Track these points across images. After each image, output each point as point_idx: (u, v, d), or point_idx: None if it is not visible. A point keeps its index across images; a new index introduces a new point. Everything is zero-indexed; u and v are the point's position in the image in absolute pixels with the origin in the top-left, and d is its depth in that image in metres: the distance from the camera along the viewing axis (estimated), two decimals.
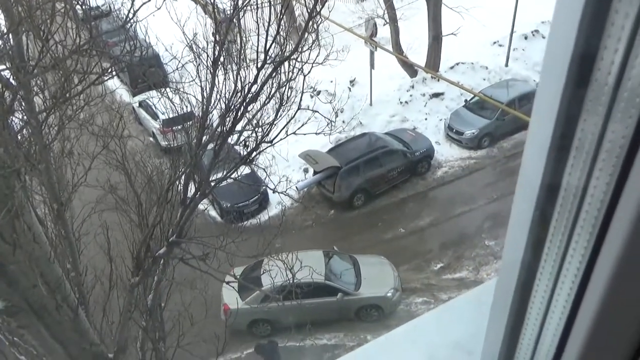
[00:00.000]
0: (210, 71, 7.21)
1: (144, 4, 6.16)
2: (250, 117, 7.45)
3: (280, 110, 7.60)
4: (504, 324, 1.09)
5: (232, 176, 7.99)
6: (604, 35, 0.68)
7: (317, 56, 7.42)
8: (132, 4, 6.21)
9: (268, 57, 6.99)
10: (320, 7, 6.90)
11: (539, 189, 0.86)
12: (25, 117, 5.73)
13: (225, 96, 7.21)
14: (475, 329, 1.28)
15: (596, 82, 0.71)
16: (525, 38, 21.15)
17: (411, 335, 1.70)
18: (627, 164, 0.69)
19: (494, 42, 21.08)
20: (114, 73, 7.08)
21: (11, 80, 5.38)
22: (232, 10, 7.09)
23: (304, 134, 8.08)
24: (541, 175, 0.85)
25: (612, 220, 0.73)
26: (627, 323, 0.80)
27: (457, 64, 20.15)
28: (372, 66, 18.17)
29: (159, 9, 6.37)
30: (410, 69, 19.51)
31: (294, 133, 7.84)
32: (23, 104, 5.58)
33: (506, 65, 20.45)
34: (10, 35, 5.29)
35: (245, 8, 7.28)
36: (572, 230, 0.82)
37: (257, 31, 6.92)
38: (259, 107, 7.44)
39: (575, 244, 0.82)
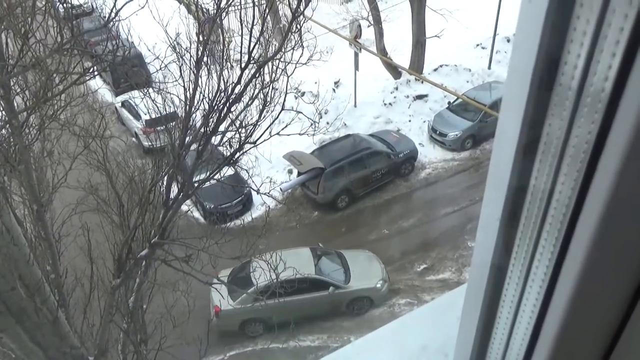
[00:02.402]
0: (193, 71, 7.16)
1: (126, 3, 6.10)
2: (234, 117, 7.41)
3: (264, 111, 7.57)
4: (475, 325, 1.10)
5: (216, 177, 7.94)
6: (567, 40, 0.69)
7: (301, 57, 7.41)
8: (115, 3, 6.14)
9: (252, 58, 6.97)
10: (304, 7, 6.90)
11: (507, 191, 0.87)
12: (4, 117, 5.63)
13: (208, 97, 7.17)
14: (452, 331, 1.29)
15: (560, 86, 0.72)
16: (508, 41, 21.37)
17: (390, 337, 1.71)
18: (590, 168, 0.70)
19: (477, 45, 21.29)
20: (95, 73, 7.00)
21: None
22: (215, 10, 7.06)
23: (288, 135, 8.07)
24: (509, 178, 0.86)
25: (577, 222, 0.74)
26: (595, 324, 0.81)
27: (441, 66, 20.30)
28: (356, 68, 18.22)
29: (142, 7, 6.31)
30: (395, 70, 19.60)
31: (278, 134, 7.82)
32: (2, 103, 5.49)
33: (489, 67, 20.66)
34: None
35: (228, 8, 7.25)
36: (540, 232, 0.83)
37: (240, 31, 6.90)
38: (242, 107, 7.41)
39: (542, 247, 0.83)
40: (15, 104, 5.75)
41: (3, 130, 5.99)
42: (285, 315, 12.25)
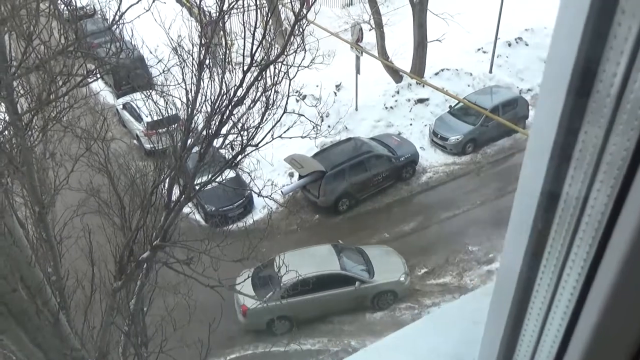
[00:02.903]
0: (195, 74, 7.16)
1: (131, 6, 6.11)
2: (236, 120, 7.41)
3: (266, 114, 7.58)
4: (501, 334, 1.08)
5: (217, 180, 7.94)
6: (607, 47, 0.68)
7: (303, 60, 7.42)
8: (119, 6, 6.15)
9: (254, 61, 6.97)
10: (307, 10, 6.91)
11: (539, 197, 0.86)
12: (7, 119, 5.64)
13: (210, 99, 7.17)
14: (465, 337, 1.28)
15: (598, 93, 0.71)
16: (509, 45, 21.40)
17: (400, 344, 1.69)
18: (628, 177, 0.69)
19: (478, 49, 21.31)
20: (98, 75, 7.00)
21: None
22: (217, 13, 7.07)
23: (290, 138, 8.07)
24: (541, 184, 0.85)
25: (613, 232, 0.73)
26: (625, 337, 0.79)
27: (442, 70, 20.31)
28: (357, 71, 18.23)
29: (147, 10, 6.31)
30: (396, 74, 19.62)
31: (280, 137, 7.82)
32: (6, 104, 5.49)
33: (490, 71, 20.67)
34: None
35: (231, 11, 7.26)
36: (572, 241, 0.82)
37: (243, 34, 6.90)
38: (244, 110, 7.41)
39: (575, 254, 0.82)
40: (19, 106, 5.76)
41: (5, 132, 5.99)
42: (312, 311, 12.62)
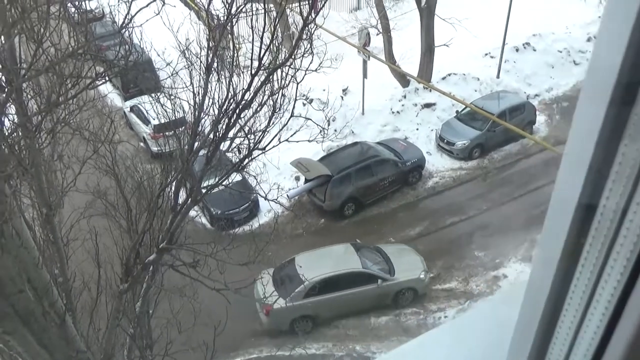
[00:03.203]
0: (203, 77, 7.18)
1: (141, 9, 6.14)
2: (243, 123, 7.42)
3: (273, 118, 7.58)
4: (529, 349, 1.06)
5: (224, 183, 7.95)
6: None
7: (310, 64, 7.42)
8: (129, 9, 6.18)
9: (262, 65, 6.98)
10: (315, 14, 6.91)
11: (575, 209, 0.85)
12: (17, 120, 5.67)
13: (217, 102, 7.19)
14: (483, 346, 1.26)
15: None
16: (517, 50, 21.35)
17: (416, 353, 1.67)
18: None
19: (486, 54, 21.27)
20: (107, 77, 7.03)
21: (2, 82, 5.33)
22: (225, 17, 7.08)
23: (296, 142, 8.07)
24: (577, 196, 0.83)
25: None
26: None
27: (449, 74, 20.29)
28: (364, 75, 18.24)
29: (157, 14, 6.34)
30: (403, 79, 19.61)
31: (287, 140, 7.82)
32: (15, 107, 5.53)
33: (497, 76, 20.63)
34: (2, 38, 5.24)
35: (239, 15, 7.28)
36: (608, 254, 0.81)
37: (250, 38, 6.92)
38: (251, 114, 7.42)
39: (610, 269, 0.81)
40: (29, 108, 5.79)
41: (14, 134, 6.02)
42: (334, 310, 12.75)
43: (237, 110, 7.12)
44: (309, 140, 8.72)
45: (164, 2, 6.14)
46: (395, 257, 14.03)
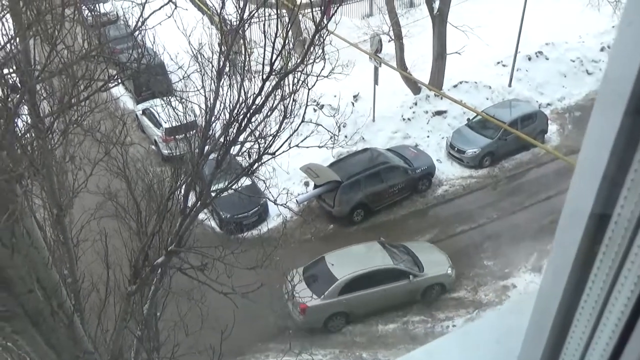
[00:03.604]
0: (214, 81, 7.22)
1: (154, 12, 6.19)
2: (253, 128, 7.44)
3: (284, 123, 7.59)
4: (539, 356, 1.05)
5: (233, 187, 7.96)
6: None
7: (322, 69, 7.43)
8: (142, 13, 6.23)
9: (273, 70, 7.00)
10: (328, 20, 6.93)
11: (588, 218, 0.84)
12: (30, 121, 5.73)
13: (229, 106, 7.21)
14: (492, 355, 1.24)
15: None
16: (529, 59, 21.27)
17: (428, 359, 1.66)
18: None
19: (498, 62, 21.20)
20: (120, 80, 7.09)
21: (17, 83, 5.39)
22: (238, 22, 7.12)
23: (307, 147, 8.07)
24: (591, 205, 0.82)
25: None
26: None
27: (461, 82, 20.24)
28: (376, 82, 18.24)
29: (169, 17, 6.39)
30: (414, 86, 19.59)
31: (297, 146, 7.82)
32: (28, 108, 5.58)
33: (509, 85, 20.55)
34: (18, 39, 5.30)
35: (251, 20, 7.31)
36: (623, 263, 0.79)
37: (262, 43, 6.94)
38: (262, 118, 7.44)
39: (624, 278, 0.79)
40: (41, 109, 5.85)
41: (27, 135, 6.07)
42: (367, 307, 13.09)
43: (248, 115, 7.14)
44: (319, 146, 8.72)
45: (176, 6, 6.19)
46: (421, 253, 14.35)
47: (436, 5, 18.58)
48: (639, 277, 0.76)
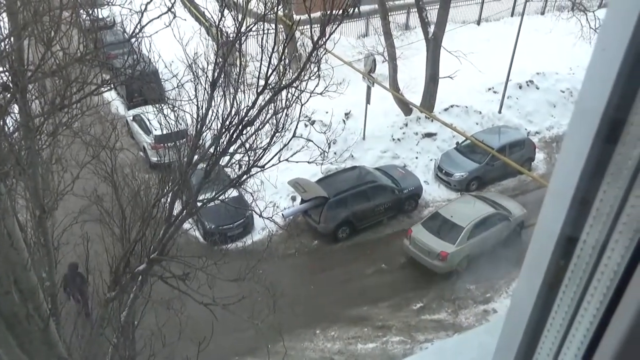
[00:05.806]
0: (207, 92, 7.23)
1: (152, 20, 6.20)
2: (244, 140, 7.45)
3: (275, 136, 7.61)
4: None
5: (220, 198, 7.94)
6: (637, 99, 0.68)
7: (316, 86, 7.49)
8: (140, 20, 6.24)
9: (268, 84, 7.04)
10: (326, 39, 6.99)
11: (556, 240, 0.86)
12: (19, 120, 5.68)
13: (221, 117, 7.22)
14: None
15: (623, 146, 0.71)
16: (520, 87, 21.57)
17: None
18: None
19: (489, 89, 21.46)
20: (113, 85, 7.07)
21: (9, 83, 5.35)
22: (235, 34, 7.16)
23: (296, 162, 8.09)
24: (560, 227, 0.85)
25: (630, 280, 0.73)
26: None
27: (452, 106, 20.44)
28: (368, 101, 18.36)
29: (167, 26, 6.41)
30: (406, 107, 19.75)
31: (287, 160, 7.84)
32: (18, 107, 5.54)
33: (499, 111, 20.78)
34: (12, 39, 5.28)
35: (248, 34, 7.35)
36: (587, 286, 0.82)
37: (259, 57, 6.99)
38: (253, 131, 7.45)
39: (590, 297, 0.82)
40: (32, 109, 5.80)
41: (15, 134, 6.02)
42: (484, 248, 15.13)
43: (240, 127, 7.15)
44: (308, 162, 8.74)
45: (174, 15, 6.21)
46: (502, 200, 16.71)
47: (431, 29, 18.82)
48: (603, 297, 0.78)
